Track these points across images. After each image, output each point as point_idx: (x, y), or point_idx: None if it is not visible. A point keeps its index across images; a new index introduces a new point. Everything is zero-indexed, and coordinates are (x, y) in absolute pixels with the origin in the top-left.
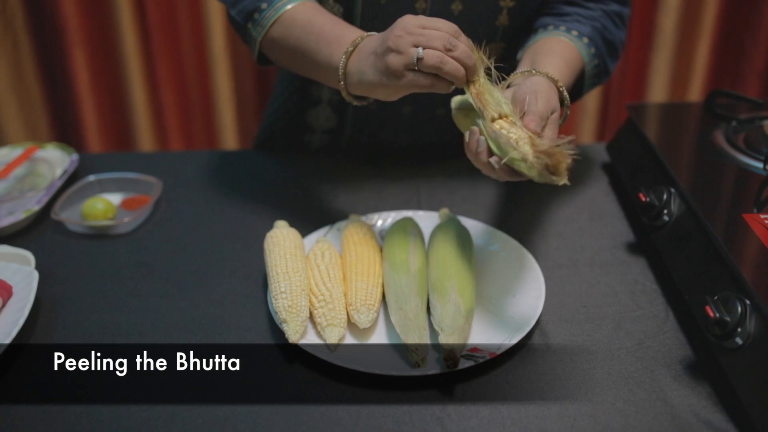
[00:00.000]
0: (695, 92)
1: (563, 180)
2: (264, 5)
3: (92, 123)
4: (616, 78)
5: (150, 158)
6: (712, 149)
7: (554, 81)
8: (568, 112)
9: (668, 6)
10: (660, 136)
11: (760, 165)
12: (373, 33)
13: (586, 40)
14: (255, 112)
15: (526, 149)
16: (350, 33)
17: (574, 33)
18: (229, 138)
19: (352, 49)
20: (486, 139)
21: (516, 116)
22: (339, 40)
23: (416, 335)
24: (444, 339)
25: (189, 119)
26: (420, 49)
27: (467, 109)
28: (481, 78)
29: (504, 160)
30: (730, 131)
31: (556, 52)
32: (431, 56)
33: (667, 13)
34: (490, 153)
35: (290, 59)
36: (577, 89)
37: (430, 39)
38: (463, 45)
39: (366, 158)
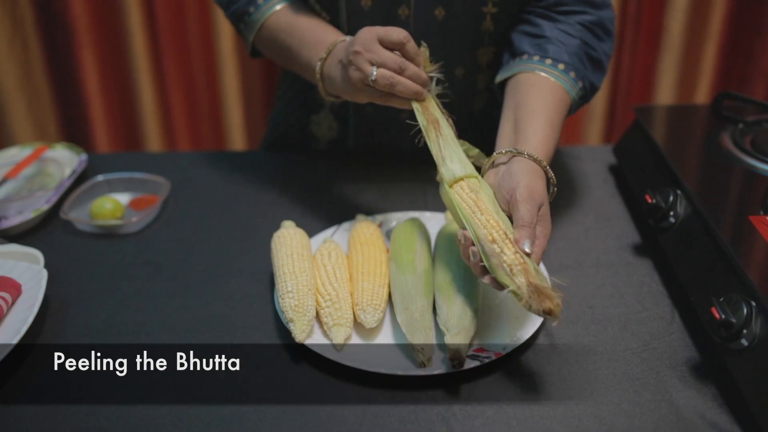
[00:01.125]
0: (702, 94)
1: (556, 321)
2: (252, 9)
3: (101, 123)
4: (623, 80)
5: (158, 158)
6: (719, 151)
7: (539, 162)
8: (555, 189)
9: (675, 8)
10: (666, 138)
11: (767, 167)
12: (346, 38)
13: (562, 66)
14: (263, 112)
15: (521, 280)
16: (327, 37)
17: (548, 62)
18: (237, 138)
19: (325, 55)
20: (479, 251)
21: (501, 216)
22: (317, 45)
23: (422, 335)
24: (450, 339)
25: (197, 120)
26: (374, 70)
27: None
28: (443, 125)
29: (505, 292)
30: (737, 133)
31: (539, 112)
32: (383, 77)
33: (675, 16)
34: (484, 268)
35: (279, 58)
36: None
37: (383, 59)
38: (413, 67)
39: (372, 160)
